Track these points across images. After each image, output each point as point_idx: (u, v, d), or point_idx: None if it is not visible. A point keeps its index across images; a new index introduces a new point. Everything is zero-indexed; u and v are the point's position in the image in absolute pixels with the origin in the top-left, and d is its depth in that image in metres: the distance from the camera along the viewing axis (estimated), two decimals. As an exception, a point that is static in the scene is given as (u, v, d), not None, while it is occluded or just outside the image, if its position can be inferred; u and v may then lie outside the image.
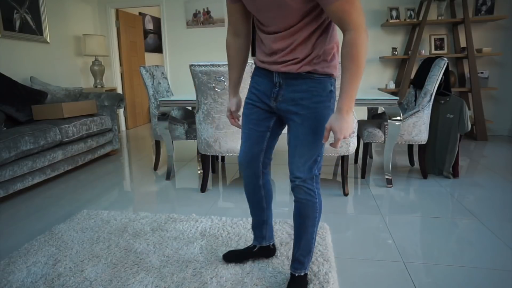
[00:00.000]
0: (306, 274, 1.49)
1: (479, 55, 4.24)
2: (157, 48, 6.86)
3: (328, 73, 1.27)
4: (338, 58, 1.30)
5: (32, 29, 4.02)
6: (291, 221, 2.10)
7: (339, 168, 3.28)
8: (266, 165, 1.53)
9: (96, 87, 4.90)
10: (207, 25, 5.04)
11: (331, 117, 1.18)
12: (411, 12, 4.46)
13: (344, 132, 1.15)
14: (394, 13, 4.44)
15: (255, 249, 1.69)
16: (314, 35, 1.21)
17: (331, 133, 2.38)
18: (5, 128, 2.97)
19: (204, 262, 1.69)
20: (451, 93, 2.84)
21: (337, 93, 2.39)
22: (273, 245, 1.72)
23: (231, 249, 1.81)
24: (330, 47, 1.26)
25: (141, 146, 4.37)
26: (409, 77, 4.38)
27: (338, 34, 4.61)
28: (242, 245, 1.84)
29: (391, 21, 4.40)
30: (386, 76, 4.79)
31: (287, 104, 1.30)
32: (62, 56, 4.56)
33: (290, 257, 1.71)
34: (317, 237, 1.89)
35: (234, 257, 1.69)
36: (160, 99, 2.81)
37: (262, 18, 1.23)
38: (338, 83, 2.31)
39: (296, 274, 1.47)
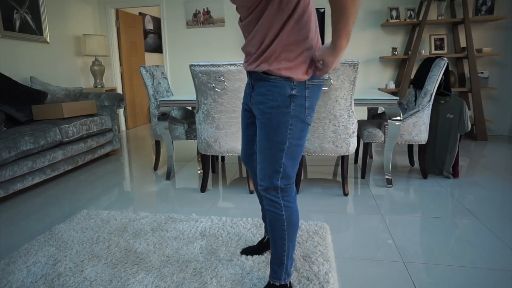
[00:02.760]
0: (283, 286, 1.39)
1: (479, 55, 4.24)
2: (157, 48, 6.86)
3: (284, 76, 1.14)
4: (308, 56, 1.17)
5: (32, 29, 4.02)
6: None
7: (339, 168, 3.28)
8: None
9: (96, 87, 4.90)
10: (207, 25, 5.04)
11: (324, 50, 1.12)
12: (411, 12, 4.46)
13: (333, 66, 1.14)
14: (394, 13, 4.44)
15: (265, 240, 1.74)
16: (274, 25, 1.11)
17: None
18: (5, 128, 2.97)
19: (204, 262, 1.69)
20: (451, 93, 2.84)
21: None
22: None
23: (232, 248, 1.81)
24: (296, 42, 1.14)
25: (141, 146, 4.37)
26: (409, 77, 4.38)
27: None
28: (242, 245, 1.84)
29: (391, 21, 4.40)
30: (386, 76, 4.79)
31: (254, 106, 1.27)
32: (62, 56, 4.56)
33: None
34: (316, 237, 1.89)
35: (252, 251, 1.75)
36: (160, 99, 2.81)
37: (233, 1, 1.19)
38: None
39: (271, 282, 1.40)
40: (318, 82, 1.24)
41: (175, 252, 1.79)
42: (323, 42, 4.72)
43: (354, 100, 2.52)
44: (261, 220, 2.14)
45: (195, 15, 5.04)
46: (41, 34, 4.15)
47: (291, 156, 1.24)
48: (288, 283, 1.41)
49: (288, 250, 1.35)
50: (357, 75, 2.28)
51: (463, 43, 4.51)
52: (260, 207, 2.39)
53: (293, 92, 1.18)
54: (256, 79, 1.24)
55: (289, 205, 1.29)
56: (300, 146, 1.26)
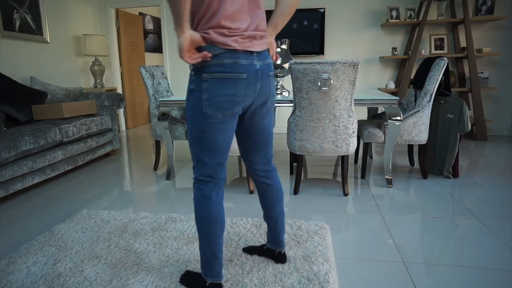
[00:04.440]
0: (208, 284, 1.39)
1: (479, 55, 4.24)
2: (157, 48, 6.86)
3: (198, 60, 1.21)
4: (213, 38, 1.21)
5: (32, 29, 4.02)
6: (291, 221, 2.10)
7: (339, 168, 3.28)
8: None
9: (96, 87, 4.90)
10: (207, 25, 5.03)
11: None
12: (411, 12, 4.46)
13: (178, 51, 1.22)
14: (394, 13, 4.44)
15: (264, 247, 1.71)
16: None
17: None
18: (5, 128, 2.97)
19: (204, 262, 1.69)
20: (451, 93, 2.84)
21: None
22: (279, 253, 1.65)
23: (232, 248, 1.81)
24: (203, 29, 1.21)
25: (141, 146, 4.37)
26: (409, 77, 4.38)
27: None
28: (242, 245, 1.84)
29: (391, 21, 4.40)
30: (386, 76, 4.79)
31: None
32: (62, 56, 4.56)
33: (292, 258, 1.71)
34: (316, 237, 1.89)
35: (254, 250, 1.74)
36: (160, 99, 2.81)
37: None
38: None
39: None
40: (219, 76, 1.20)
41: (175, 252, 1.79)
42: (323, 43, 4.71)
43: (354, 100, 2.52)
44: (261, 219, 2.14)
45: (195, 15, 5.03)
46: (41, 34, 4.15)
47: (197, 146, 1.27)
48: (208, 284, 1.38)
49: (201, 246, 1.35)
50: (357, 75, 2.28)
51: (463, 43, 4.51)
52: (260, 207, 2.38)
53: (192, 86, 1.24)
54: None
55: (200, 198, 1.30)
56: (206, 139, 1.25)
